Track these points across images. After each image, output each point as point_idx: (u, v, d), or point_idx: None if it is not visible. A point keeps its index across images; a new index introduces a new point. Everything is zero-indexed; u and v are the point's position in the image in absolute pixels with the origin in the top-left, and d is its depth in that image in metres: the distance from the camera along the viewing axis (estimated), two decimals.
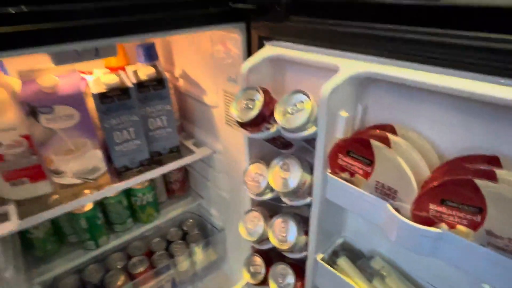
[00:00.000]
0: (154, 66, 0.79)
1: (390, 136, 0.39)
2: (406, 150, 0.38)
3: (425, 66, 0.38)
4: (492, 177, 0.33)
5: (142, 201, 0.94)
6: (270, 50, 0.55)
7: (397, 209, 0.40)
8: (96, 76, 0.74)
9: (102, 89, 0.69)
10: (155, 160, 0.85)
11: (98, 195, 0.74)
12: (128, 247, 1.03)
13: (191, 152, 0.91)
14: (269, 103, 0.49)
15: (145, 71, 0.76)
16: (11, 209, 0.68)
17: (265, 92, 0.50)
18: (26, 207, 0.70)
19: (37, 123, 0.64)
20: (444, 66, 0.37)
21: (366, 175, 0.42)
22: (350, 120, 0.45)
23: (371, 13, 0.43)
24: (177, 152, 0.88)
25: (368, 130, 0.44)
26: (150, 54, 0.83)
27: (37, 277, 0.82)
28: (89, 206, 0.84)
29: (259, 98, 0.49)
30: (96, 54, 0.60)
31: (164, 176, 1.03)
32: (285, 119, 0.46)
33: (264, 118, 0.49)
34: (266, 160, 0.60)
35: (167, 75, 0.79)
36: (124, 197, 0.92)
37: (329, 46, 0.48)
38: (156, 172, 0.83)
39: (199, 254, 1.07)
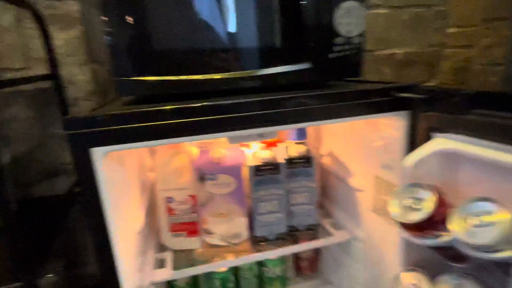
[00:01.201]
0: (304, 144, 0.83)
1: None
2: None
3: None
4: None
5: (271, 273, 0.93)
6: (441, 143, 0.49)
7: None
8: (253, 150, 0.83)
9: (258, 162, 0.76)
10: (291, 234, 0.85)
11: (238, 261, 0.77)
12: None
13: (327, 232, 0.87)
14: (442, 206, 0.42)
15: (296, 149, 0.81)
16: (169, 257, 0.78)
17: (438, 192, 0.43)
18: (176, 255, 0.80)
19: (202, 187, 0.74)
20: None
21: None
22: None
23: None
24: (314, 230, 0.85)
25: None
26: (301, 133, 0.88)
27: None
28: (224, 268, 0.88)
29: (429, 199, 0.43)
30: (261, 136, 0.67)
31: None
32: (467, 232, 0.38)
33: (433, 223, 0.42)
34: (427, 269, 0.50)
35: (313, 150, 0.81)
36: (256, 264, 0.93)
37: None
38: (291, 250, 0.81)
39: None
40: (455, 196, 0.47)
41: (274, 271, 0.92)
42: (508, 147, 0.41)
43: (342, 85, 0.67)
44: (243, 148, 0.84)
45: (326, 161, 0.93)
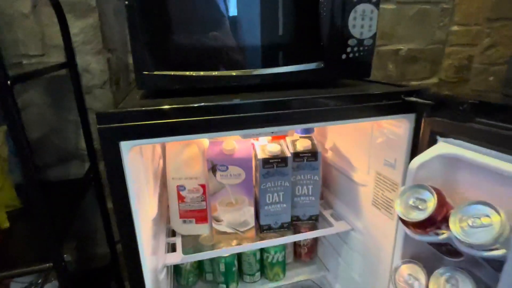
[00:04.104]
0: (310, 139, 0.87)
1: None
2: None
3: None
4: None
5: (272, 259, 0.98)
6: (444, 147, 0.53)
7: None
8: (262, 142, 0.86)
9: (267, 155, 0.80)
10: (294, 223, 0.90)
11: (243, 248, 0.82)
12: None
13: (327, 222, 0.92)
14: (442, 207, 0.46)
15: (302, 143, 0.84)
16: (178, 242, 0.82)
17: (439, 194, 0.47)
18: (185, 239, 0.84)
19: (213, 177, 0.77)
20: None
21: None
22: None
23: None
24: (315, 220, 0.90)
25: None
26: (307, 127, 0.91)
27: None
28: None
29: (431, 200, 0.47)
30: (272, 133, 0.70)
31: None
32: (464, 231, 0.42)
33: (434, 222, 0.46)
34: (423, 262, 0.55)
35: (317, 144, 0.85)
36: (258, 251, 0.98)
37: None
38: (293, 238, 0.86)
39: None
40: (454, 197, 0.51)
41: (275, 257, 0.98)
42: (506, 156, 0.45)
43: (353, 85, 0.70)
44: (252, 141, 0.87)
45: (330, 155, 0.97)
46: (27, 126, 0.80)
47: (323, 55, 0.66)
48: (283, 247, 0.99)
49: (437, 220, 0.46)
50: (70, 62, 0.76)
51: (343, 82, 0.72)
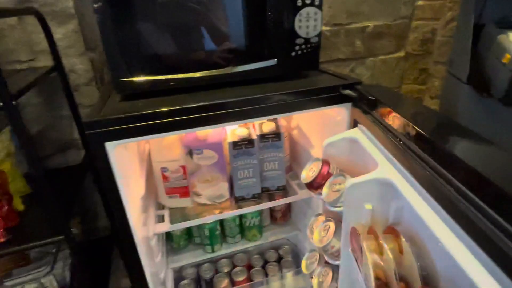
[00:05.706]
0: (275, 121, 1.00)
1: (386, 247, 0.44)
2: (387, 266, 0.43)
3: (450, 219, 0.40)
4: None
5: (250, 223, 1.15)
6: (354, 132, 0.67)
7: None
8: (233, 127, 0.99)
9: (236, 138, 0.93)
10: (265, 194, 1.05)
11: (222, 215, 0.98)
12: (234, 257, 1.26)
13: (294, 191, 1.07)
14: (325, 174, 0.62)
15: (268, 126, 0.97)
16: (166, 213, 0.98)
17: (324, 165, 0.63)
18: (172, 211, 1.00)
19: (190, 159, 0.91)
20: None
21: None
22: (376, 212, 0.52)
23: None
24: (283, 190, 1.06)
25: (385, 231, 0.50)
26: None
27: (171, 263, 1.12)
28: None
29: (319, 167, 0.62)
30: None
31: None
32: (327, 193, 0.58)
33: (319, 185, 0.62)
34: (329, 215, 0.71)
35: (285, 123, 0.98)
36: (238, 217, 1.15)
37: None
38: (263, 206, 1.02)
39: (290, 279, 1.22)
40: (359, 170, 0.65)
41: (251, 221, 1.15)
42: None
43: (304, 76, 0.82)
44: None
45: (295, 133, 1.10)
46: (27, 123, 0.92)
47: (275, 54, 0.78)
48: (258, 212, 1.15)
49: (321, 184, 0.62)
50: (57, 65, 0.86)
51: (297, 74, 0.83)
